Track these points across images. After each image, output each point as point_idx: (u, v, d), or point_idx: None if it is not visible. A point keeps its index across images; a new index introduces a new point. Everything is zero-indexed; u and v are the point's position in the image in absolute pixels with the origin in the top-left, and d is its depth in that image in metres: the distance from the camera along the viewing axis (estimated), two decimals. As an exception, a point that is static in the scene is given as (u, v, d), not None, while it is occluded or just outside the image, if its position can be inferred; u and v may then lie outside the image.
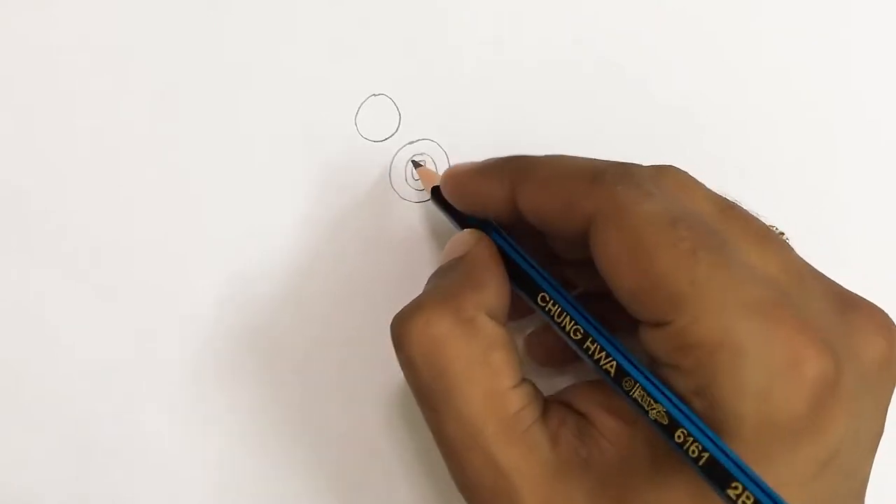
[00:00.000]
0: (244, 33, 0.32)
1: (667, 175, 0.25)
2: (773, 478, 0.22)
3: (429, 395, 0.25)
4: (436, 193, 0.29)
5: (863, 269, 0.27)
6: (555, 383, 0.29)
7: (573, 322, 0.25)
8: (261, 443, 0.31)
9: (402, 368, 0.25)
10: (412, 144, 0.32)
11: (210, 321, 0.31)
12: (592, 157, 0.26)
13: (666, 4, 0.33)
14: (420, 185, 0.31)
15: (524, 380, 0.25)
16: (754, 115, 0.33)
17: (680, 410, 0.23)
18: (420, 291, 0.26)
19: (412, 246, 0.31)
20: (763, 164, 0.32)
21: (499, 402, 0.24)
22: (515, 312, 0.28)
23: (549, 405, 0.26)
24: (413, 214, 0.32)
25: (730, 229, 0.24)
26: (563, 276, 0.29)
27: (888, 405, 0.25)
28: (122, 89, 0.32)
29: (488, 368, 0.25)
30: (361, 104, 0.32)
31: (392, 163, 0.32)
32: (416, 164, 0.31)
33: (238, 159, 0.32)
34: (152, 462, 0.31)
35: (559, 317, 0.25)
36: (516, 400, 0.25)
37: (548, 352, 0.30)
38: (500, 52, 0.32)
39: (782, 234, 0.26)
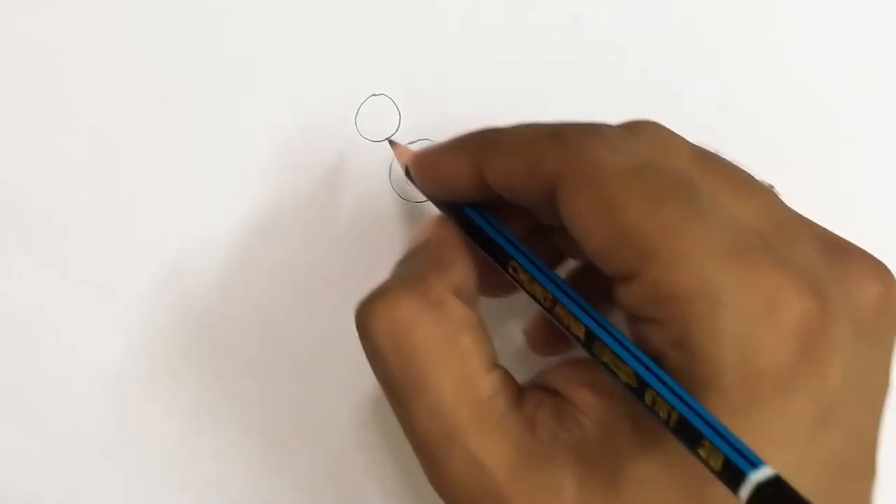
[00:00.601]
0: (244, 33, 0.32)
1: (638, 130, 0.25)
2: (760, 434, 0.20)
3: (397, 385, 0.24)
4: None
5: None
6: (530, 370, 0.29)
7: (542, 289, 0.24)
8: (262, 443, 0.31)
9: (368, 358, 0.24)
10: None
11: (210, 321, 0.31)
12: None
13: (667, 4, 0.33)
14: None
15: (496, 365, 0.24)
16: (755, 113, 0.33)
17: (649, 370, 0.21)
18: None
19: (412, 246, 0.32)
20: (762, 161, 0.32)
21: (471, 388, 0.23)
22: (494, 289, 0.27)
23: (523, 390, 0.25)
24: (413, 214, 0.32)
25: (706, 179, 0.23)
26: (553, 246, 0.28)
27: (892, 356, 0.24)
28: (122, 89, 0.32)
29: (459, 352, 0.23)
30: (361, 104, 0.32)
31: (392, 163, 0.32)
32: (393, 143, 0.31)
33: (238, 159, 0.32)
34: (152, 462, 0.31)
35: (529, 285, 0.24)
36: (489, 385, 0.24)
37: (546, 339, 0.29)
38: (501, 53, 0.32)
39: (771, 186, 0.25)
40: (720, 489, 0.20)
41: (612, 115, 0.33)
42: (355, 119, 0.32)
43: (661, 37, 0.33)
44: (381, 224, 0.30)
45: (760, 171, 0.32)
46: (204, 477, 0.31)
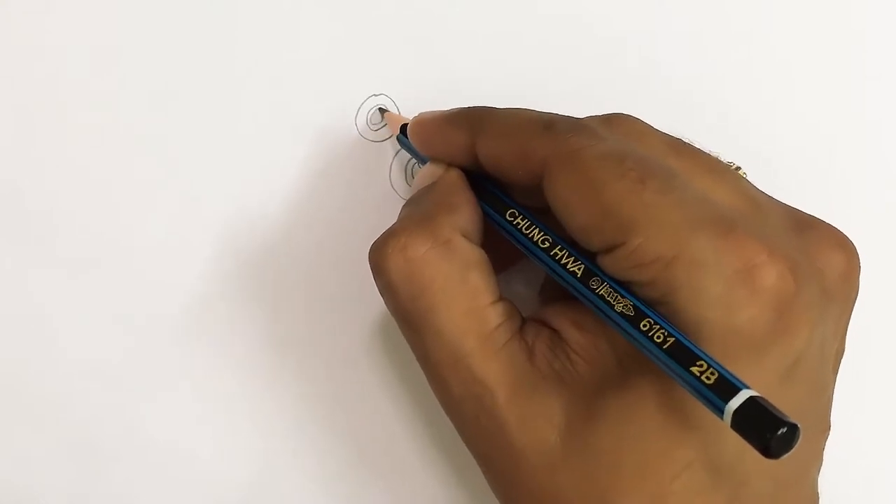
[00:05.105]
0: (244, 33, 0.32)
1: (618, 122, 0.26)
2: None
3: (409, 317, 0.26)
4: (402, 135, 0.30)
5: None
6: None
7: (541, 232, 0.26)
8: (260, 443, 0.31)
9: (382, 294, 0.26)
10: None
11: (211, 322, 0.31)
12: None
13: (668, 4, 0.33)
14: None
15: (501, 298, 0.26)
16: (753, 108, 0.33)
17: (644, 304, 0.23)
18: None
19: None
20: (761, 158, 0.32)
21: (478, 319, 0.25)
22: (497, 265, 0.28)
23: (525, 320, 0.27)
24: (413, 214, 0.32)
25: (680, 165, 0.25)
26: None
27: (849, 320, 0.26)
28: (121, 89, 0.32)
29: (467, 287, 0.25)
30: (361, 104, 0.32)
31: (392, 163, 0.32)
32: (383, 111, 0.32)
33: (238, 159, 0.32)
34: (152, 462, 0.31)
35: (528, 229, 0.26)
36: (495, 316, 0.26)
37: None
38: (502, 52, 0.32)
39: (738, 168, 0.28)
40: (692, 421, 0.23)
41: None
42: (355, 119, 0.32)
43: (661, 38, 0.33)
44: (380, 224, 0.29)
45: (759, 166, 0.32)
46: (205, 476, 0.31)
